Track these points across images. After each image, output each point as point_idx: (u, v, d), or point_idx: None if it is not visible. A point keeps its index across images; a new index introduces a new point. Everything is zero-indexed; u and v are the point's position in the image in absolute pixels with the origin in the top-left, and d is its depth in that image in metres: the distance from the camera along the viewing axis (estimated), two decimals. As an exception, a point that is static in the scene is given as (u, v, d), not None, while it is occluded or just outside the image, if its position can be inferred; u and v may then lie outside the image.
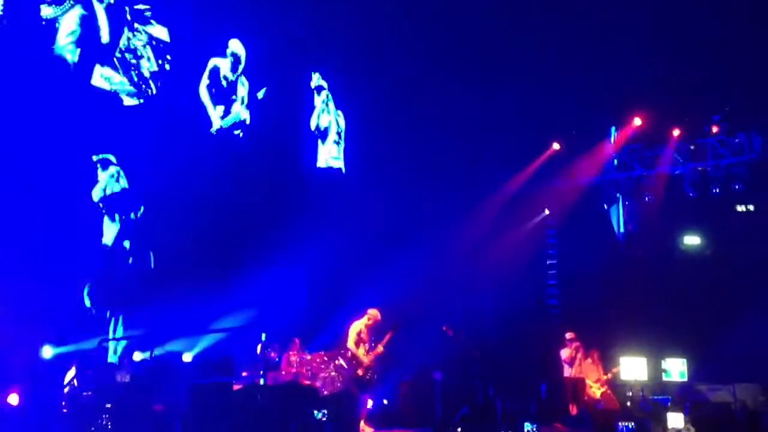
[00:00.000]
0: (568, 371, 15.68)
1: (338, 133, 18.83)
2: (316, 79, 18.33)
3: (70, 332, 12.67)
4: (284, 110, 17.15)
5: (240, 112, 16.03)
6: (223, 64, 15.75)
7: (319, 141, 18.32)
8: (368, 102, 18.61)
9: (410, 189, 18.23)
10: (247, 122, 16.18)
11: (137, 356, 13.11)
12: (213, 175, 15.13)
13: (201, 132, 15.34)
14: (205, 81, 15.32)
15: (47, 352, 12.22)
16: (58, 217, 12.74)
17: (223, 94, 15.72)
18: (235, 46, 16.00)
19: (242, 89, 16.12)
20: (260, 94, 16.53)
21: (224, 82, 15.74)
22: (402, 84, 18.24)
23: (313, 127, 18.21)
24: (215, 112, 15.49)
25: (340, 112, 19.02)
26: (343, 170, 18.61)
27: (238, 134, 16.04)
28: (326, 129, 18.53)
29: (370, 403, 13.69)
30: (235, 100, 15.94)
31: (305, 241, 16.22)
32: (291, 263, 15.95)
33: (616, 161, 18.51)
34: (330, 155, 18.54)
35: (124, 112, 13.70)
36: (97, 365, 12.38)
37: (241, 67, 16.08)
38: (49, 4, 12.65)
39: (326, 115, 18.59)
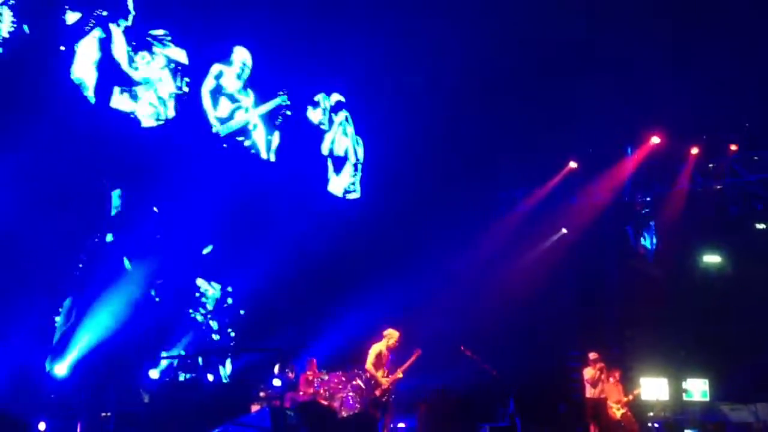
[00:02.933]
0: (590, 391, 15.42)
1: (355, 165, 18.49)
2: (334, 97, 18.20)
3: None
4: (297, 129, 17.13)
5: (243, 119, 15.91)
6: (228, 71, 15.72)
7: (332, 168, 17.96)
8: (383, 123, 18.60)
9: (427, 209, 18.21)
10: (250, 128, 16.04)
11: (153, 374, 13.12)
12: (227, 195, 15.17)
13: (217, 152, 15.37)
14: (208, 84, 15.25)
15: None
16: (76, 234, 12.84)
17: (227, 99, 15.62)
18: (241, 53, 15.94)
19: (247, 99, 16.10)
20: (271, 105, 16.50)
21: (228, 88, 15.70)
22: (417, 104, 18.24)
23: (326, 151, 17.94)
24: (215, 113, 15.36)
25: (359, 138, 18.82)
26: (359, 195, 18.51)
27: (242, 141, 15.92)
28: (343, 156, 18.25)
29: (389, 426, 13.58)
30: (238, 108, 15.93)
31: (322, 261, 16.23)
32: (310, 284, 15.94)
33: (634, 180, 18.39)
34: (345, 184, 18.31)
35: (142, 133, 13.77)
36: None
37: (246, 75, 16.03)
38: (73, 10, 12.78)
39: (343, 138, 18.44)
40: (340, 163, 18.21)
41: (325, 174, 17.86)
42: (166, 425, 11.48)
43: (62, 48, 12.69)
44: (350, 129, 18.67)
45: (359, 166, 18.69)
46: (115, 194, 13.62)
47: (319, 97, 17.93)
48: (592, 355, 15.53)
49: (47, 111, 12.30)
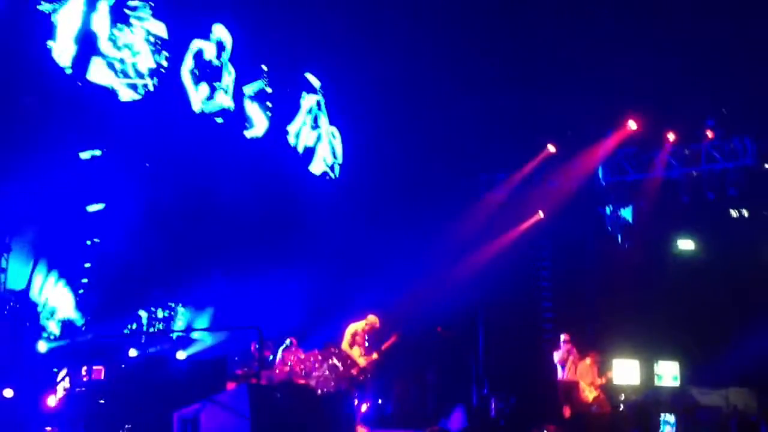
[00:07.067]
0: (561, 374, 15.61)
1: (332, 167, 18.01)
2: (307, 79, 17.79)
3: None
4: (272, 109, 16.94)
5: (224, 101, 15.64)
6: (208, 48, 15.41)
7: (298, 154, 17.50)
8: (359, 103, 18.46)
9: (404, 191, 18.18)
10: (231, 110, 15.72)
11: (132, 352, 13.04)
12: (209, 174, 15.03)
13: (195, 127, 15.18)
14: (188, 63, 14.92)
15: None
16: (50, 210, 12.68)
17: (207, 78, 15.30)
18: (220, 31, 15.62)
19: (228, 78, 15.86)
20: (251, 89, 16.29)
21: (208, 67, 15.45)
22: (395, 85, 18.15)
23: (292, 140, 17.30)
24: (197, 95, 15.07)
25: (335, 129, 18.34)
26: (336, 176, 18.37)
27: (220, 122, 15.58)
28: (311, 148, 17.75)
29: (365, 406, 13.61)
30: (219, 88, 15.64)
31: (301, 243, 16.18)
32: (287, 264, 15.87)
33: (610, 165, 18.48)
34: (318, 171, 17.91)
35: (120, 107, 13.56)
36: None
37: (225, 54, 15.73)
38: (49, 2, 12.51)
39: (311, 130, 17.79)
40: (307, 154, 17.68)
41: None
42: (140, 401, 11.45)
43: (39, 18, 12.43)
44: (323, 119, 18.16)
45: (336, 168, 18.25)
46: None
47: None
48: (563, 337, 15.73)
49: (22, 81, 12.10)
